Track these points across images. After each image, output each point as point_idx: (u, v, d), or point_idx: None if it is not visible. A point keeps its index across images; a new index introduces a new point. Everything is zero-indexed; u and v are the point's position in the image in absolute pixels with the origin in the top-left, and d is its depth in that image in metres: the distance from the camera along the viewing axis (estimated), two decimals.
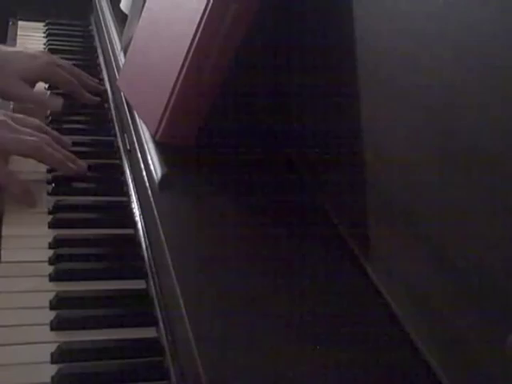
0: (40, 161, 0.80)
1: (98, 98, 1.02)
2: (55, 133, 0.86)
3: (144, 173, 0.70)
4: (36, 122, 0.84)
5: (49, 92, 1.02)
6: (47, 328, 0.61)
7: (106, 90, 1.04)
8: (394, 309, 0.54)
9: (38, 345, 0.59)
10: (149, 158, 0.69)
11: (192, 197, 0.66)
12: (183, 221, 0.64)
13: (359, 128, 0.61)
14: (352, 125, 0.62)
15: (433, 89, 0.51)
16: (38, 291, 0.65)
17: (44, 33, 1.29)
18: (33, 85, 0.98)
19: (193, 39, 0.67)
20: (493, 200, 0.45)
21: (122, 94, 0.84)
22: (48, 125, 0.91)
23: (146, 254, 0.69)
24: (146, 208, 0.70)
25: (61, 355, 0.57)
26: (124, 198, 0.80)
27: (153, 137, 0.71)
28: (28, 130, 0.80)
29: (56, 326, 0.61)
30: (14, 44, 1.23)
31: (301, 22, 0.72)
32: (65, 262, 0.69)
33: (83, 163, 0.83)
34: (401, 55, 0.55)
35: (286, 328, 0.52)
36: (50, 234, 0.72)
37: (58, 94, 1.00)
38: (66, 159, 0.81)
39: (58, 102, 0.96)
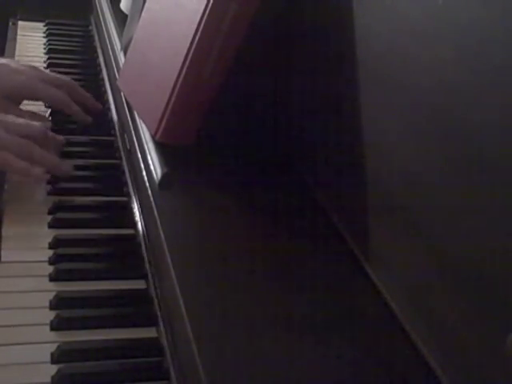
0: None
1: (89, 118, 0.93)
2: (47, 133, 0.81)
3: (144, 173, 0.70)
4: (21, 120, 0.79)
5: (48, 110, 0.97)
6: (47, 328, 0.61)
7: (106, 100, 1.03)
8: (393, 309, 0.54)
9: (37, 345, 0.59)
10: (149, 158, 0.69)
11: (192, 197, 0.66)
12: (183, 221, 0.64)
13: (359, 128, 0.60)
14: (352, 124, 0.62)
15: (433, 89, 0.51)
16: (38, 291, 0.65)
17: (44, 33, 1.29)
18: (18, 102, 0.90)
19: (193, 39, 0.67)
20: (493, 200, 0.45)
21: (121, 93, 0.84)
22: None
23: (145, 254, 0.69)
24: (145, 208, 0.70)
25: (61, 355, 0.57)
26: (124, 198, 0.80)
27: (153, 137, 0.71)
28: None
29: (56, 326, 0.61)
30: (14, 44, 1.23)
31: (301, 21, 0.72)
32: (65, 262, 0.69)
33: (68, 167, 0.81)
34: (401, 55, 0.55)
35: (286, 328, 0.52)
36: (50, 234, 0.72)
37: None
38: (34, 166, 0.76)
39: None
